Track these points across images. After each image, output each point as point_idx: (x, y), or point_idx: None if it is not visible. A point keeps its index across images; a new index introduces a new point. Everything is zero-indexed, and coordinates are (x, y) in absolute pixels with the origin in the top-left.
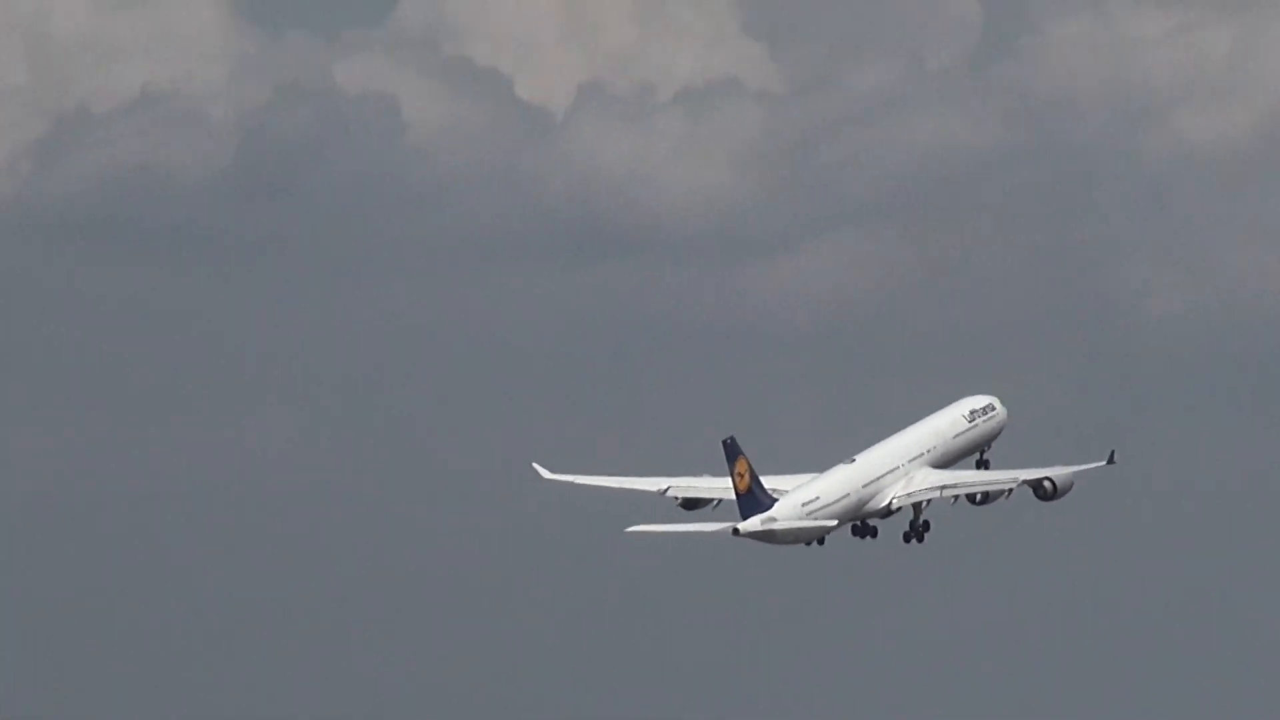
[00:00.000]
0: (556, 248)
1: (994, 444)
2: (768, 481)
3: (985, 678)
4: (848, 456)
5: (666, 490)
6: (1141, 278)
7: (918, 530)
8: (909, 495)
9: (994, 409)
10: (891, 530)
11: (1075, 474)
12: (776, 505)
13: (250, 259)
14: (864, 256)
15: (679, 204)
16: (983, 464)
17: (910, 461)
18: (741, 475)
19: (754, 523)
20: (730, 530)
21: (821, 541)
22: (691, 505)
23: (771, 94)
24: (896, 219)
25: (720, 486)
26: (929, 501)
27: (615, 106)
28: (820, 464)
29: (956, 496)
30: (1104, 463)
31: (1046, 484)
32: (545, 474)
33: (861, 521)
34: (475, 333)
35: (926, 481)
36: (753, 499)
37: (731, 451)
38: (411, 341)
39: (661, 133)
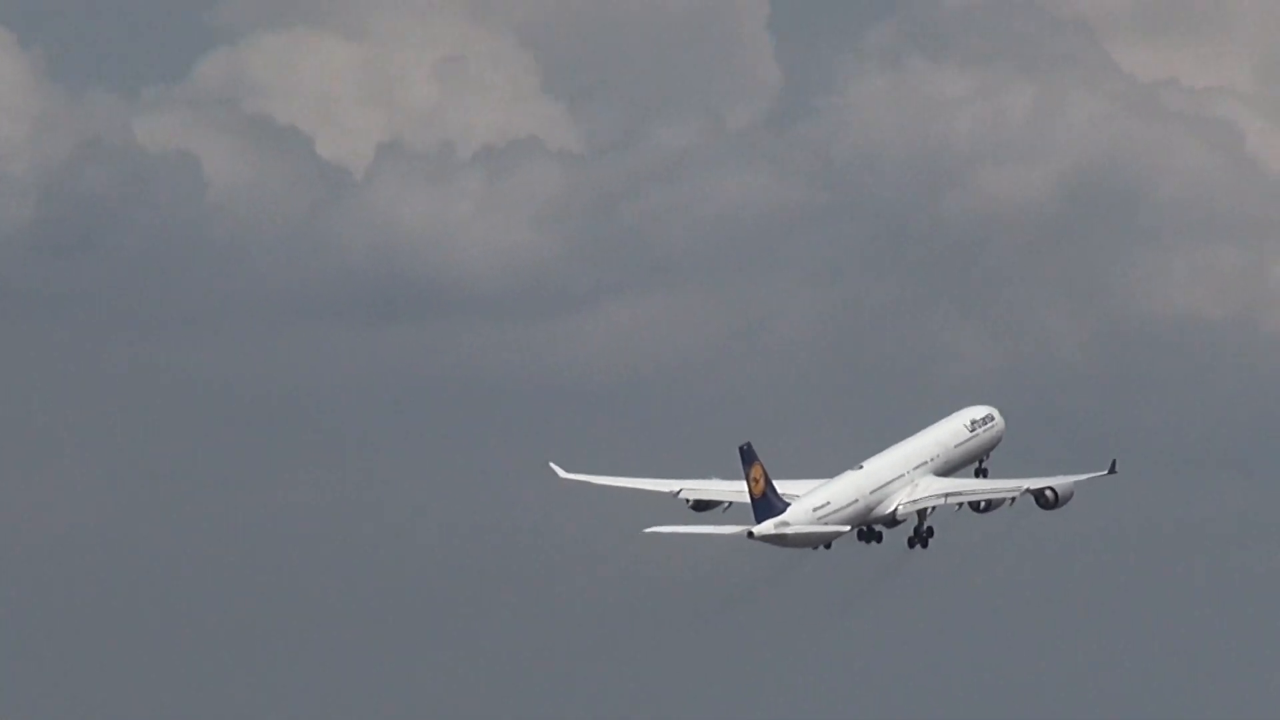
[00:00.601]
0: (357, 306)
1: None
2: (778, 487)
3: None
4: (855, 464)
5: (679, 492)
6: (944, 336)
7: (922, 536)
8: (914, 502)
9: (993, 419)
10: (896, 536)
11: (1076, 483)
12: (789, 510)
13: (51, 315)
14: (666, 314)
15: (480, 262)
16: (981, 472)
17: (915, 469)
18: (756, 480)
19: (768, 526)
20: (745, 533)
21: (829, 546)
22: (702, 507)
23: (572, 153)
24: (698, 277)
25: (730, 490)
26: (934, 508)
27: (416, 165)
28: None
29: (961, 504)
30: (1105, 472)
31: (1049, 493)
32: (562, 473)
33: (867, 527)
34: (275, 390)
35: (931, 489)
36: (766, 503)
37: (747, 457)
38: (212, 398)
39: (462, 191)
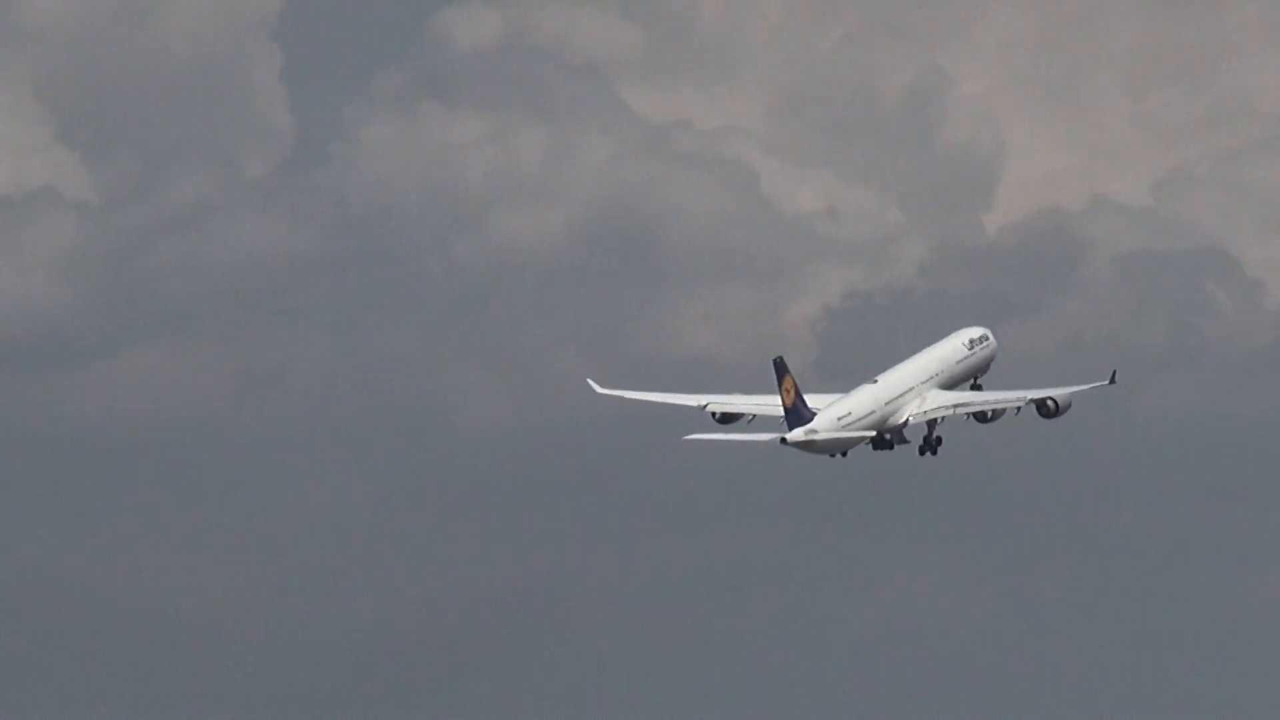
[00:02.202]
0: None
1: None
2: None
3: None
4: (871, 378)
5: (705, 406)
6: (461, 380)
7: (932, 444)
8: (924, 413)
9: (988, 339)
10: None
11: (1075, 393)
12: (816, 418)
13: None
14: (184, 363)
15: None
16: (976, 388)
17: (923, 384)
18: (788, 391)
19: (799, 433)
20: (779, 440)
21: (845, 454)
22: (727, 420)
23: (87, 203)
24: (216, 326)
25: (753, 403)
26: (942, 419)
27: None
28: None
29: (969, 414)
30: (1106, 382)
31: (1050, 402)
32: (598, 388)
33: (881, 435)
34: None
35: (939, 400)
36: (796, 413)
37: (780, 369)
38: None
39: None
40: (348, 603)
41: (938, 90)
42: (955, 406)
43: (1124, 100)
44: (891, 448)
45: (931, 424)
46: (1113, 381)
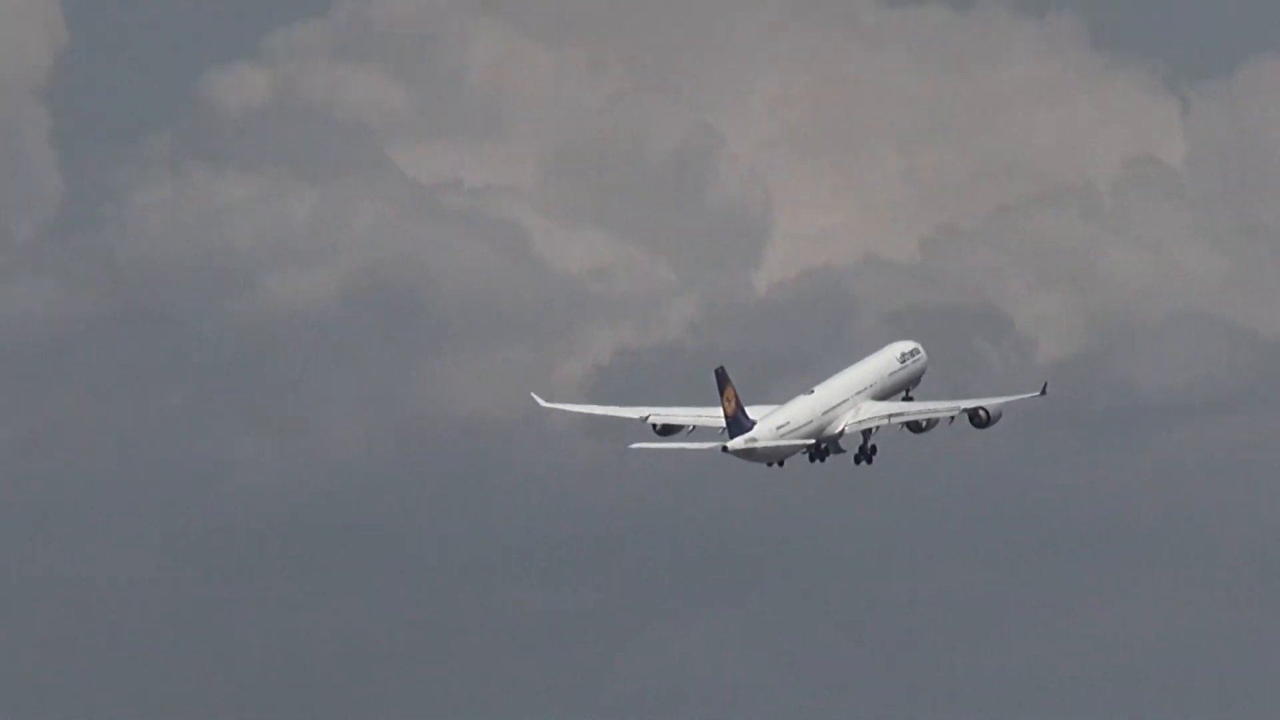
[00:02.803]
0: None
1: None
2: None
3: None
4: (807, 389)
5: (647, 418)
6: (234, 442)
7: (867, 453)
8: (859, 423)
9: (919, 353)
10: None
11: (1006, 404)
12: (756, 427)
13: None
14: None
15: None
16: (908, 399)
17: (858, 394)
18: (729, 400)
19: (739, 442)
20: (720, 448)
21: (782, 463)
22: (667, 431)
23: None
24: None
25: (692, 414)
26: (877, 428)
27: None
28: None
29: (903, 424)
30: (1037, 394)
31: (982, 412)
32: (542, 402)
33: (818, 445)
34: None
35: (874, 410)
36: (737, 422)
37: (721, 380)
38: None
39: None
40: (127, 668)
41: (708, 148)
42: (890, 416)
43: (893, 157)
44: (825, 458)
45: (866, 433)
46: (1044, 393)
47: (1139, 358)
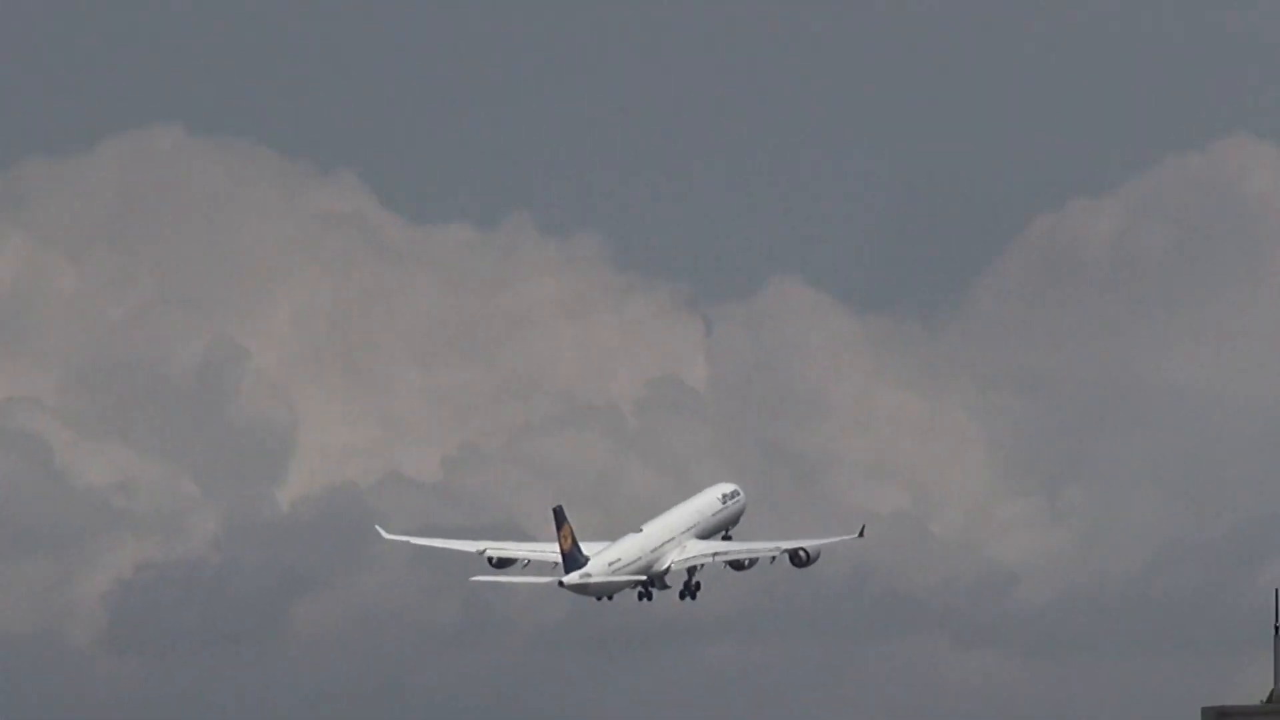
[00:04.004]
0: None
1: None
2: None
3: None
4: (635, 527)
5: (484, 551)
6: None
7: (691, 589)
8: (685, 560)
9: (739, 494)
10: (668, 590)
11: (825, 545)
12: (590, 563)
13: None
14: None
15: None
16: (727, 538)
17: (683, 533)
18: (566, 538)
19: (574, 577)
20: (556, 583)
21: (611, 597)
22: (503, 564)
23: None
24: None
25: (527, 549)
26: (702, 566)
27: None
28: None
29: (727, 562)
30: (855, 536)
31: (801, 553)
32: (385, 534)
33: (647, 581)
34: None
35: (699, 549)
36: (572, 558)
37: (560, 518)
38: None
39: None
40: None
41: (231, 362)
42: (714, 555)
43: (415, 374)
44: (650, 596)
45: (691, 570)
46: (861, 535)
47: None
